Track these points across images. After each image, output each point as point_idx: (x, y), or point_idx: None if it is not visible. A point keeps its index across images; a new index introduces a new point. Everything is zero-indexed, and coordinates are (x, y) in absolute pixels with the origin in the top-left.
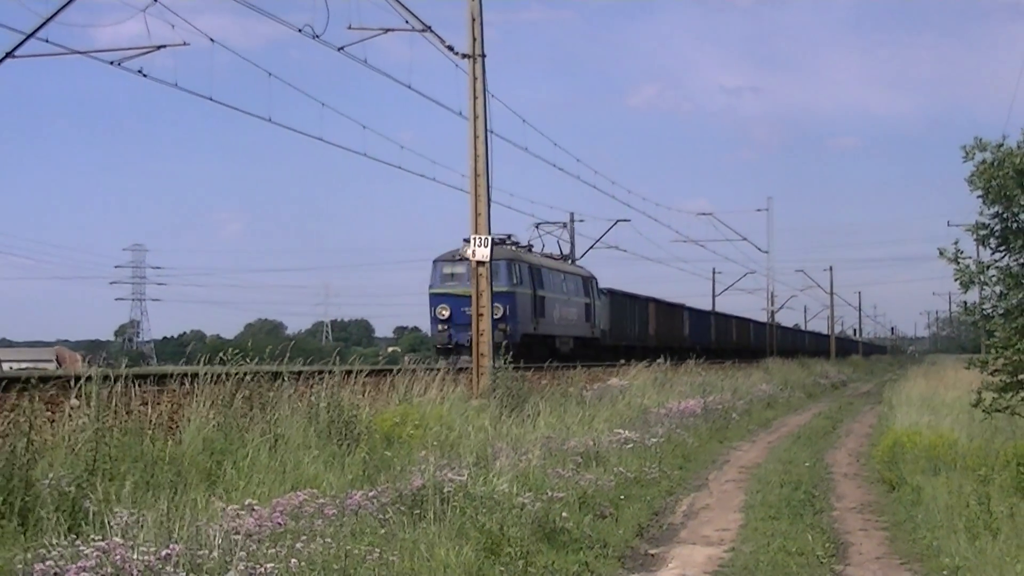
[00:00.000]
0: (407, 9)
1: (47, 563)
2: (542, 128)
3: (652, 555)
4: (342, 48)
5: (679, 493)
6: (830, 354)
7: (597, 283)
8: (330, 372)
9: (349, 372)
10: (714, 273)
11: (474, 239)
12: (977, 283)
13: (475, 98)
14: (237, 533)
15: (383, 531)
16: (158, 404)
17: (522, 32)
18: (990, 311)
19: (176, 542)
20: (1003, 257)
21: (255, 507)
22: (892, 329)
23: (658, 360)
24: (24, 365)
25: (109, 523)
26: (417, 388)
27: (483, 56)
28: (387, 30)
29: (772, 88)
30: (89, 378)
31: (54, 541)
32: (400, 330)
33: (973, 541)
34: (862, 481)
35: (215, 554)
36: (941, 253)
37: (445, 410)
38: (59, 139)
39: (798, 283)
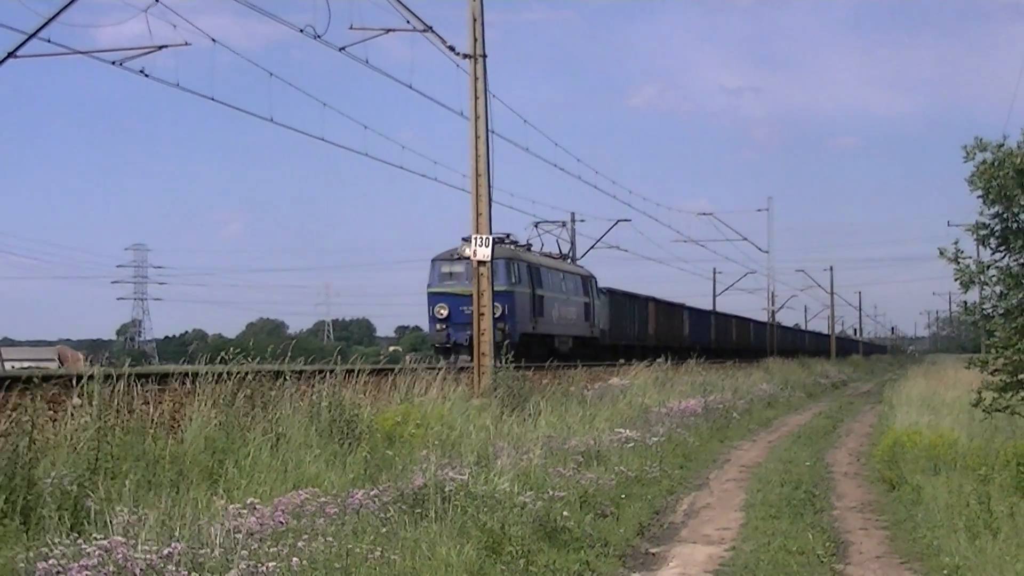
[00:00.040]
0: (408, 9)
1: (49, 562)
2: (543, 128)
3: (653, 554)
4: (343, 48)
5: (680, 492)
6: (830, 354)
7: (596, 282)
8: (331, 371)
9: (350, 371)
10: (715, 273)
11: (475, 239)
12: (977, 283)
13: (476, 98)
14: (239, 532)
15: (384, 530)
16: (160, 403)
17: (523, 32)
18: (990, 311)
19: (178, 541)
20: (1003, 257)
21: (257, 506)
22: (892, 329)
23: (658, 360)
24: (26, 364)
25: (111, 522)
26: (418, 387)
27: (484, 56)
28: (388, 30)
29: (772, 88)
30: (91, 377)
31: (56, 540)
32: (401, 329)
33: (973, 540)
34: (862, 480)
35: (217, 553)
36: (941, 253)
37: (446, 409)
38: (61, 139)
39: (798, 283)
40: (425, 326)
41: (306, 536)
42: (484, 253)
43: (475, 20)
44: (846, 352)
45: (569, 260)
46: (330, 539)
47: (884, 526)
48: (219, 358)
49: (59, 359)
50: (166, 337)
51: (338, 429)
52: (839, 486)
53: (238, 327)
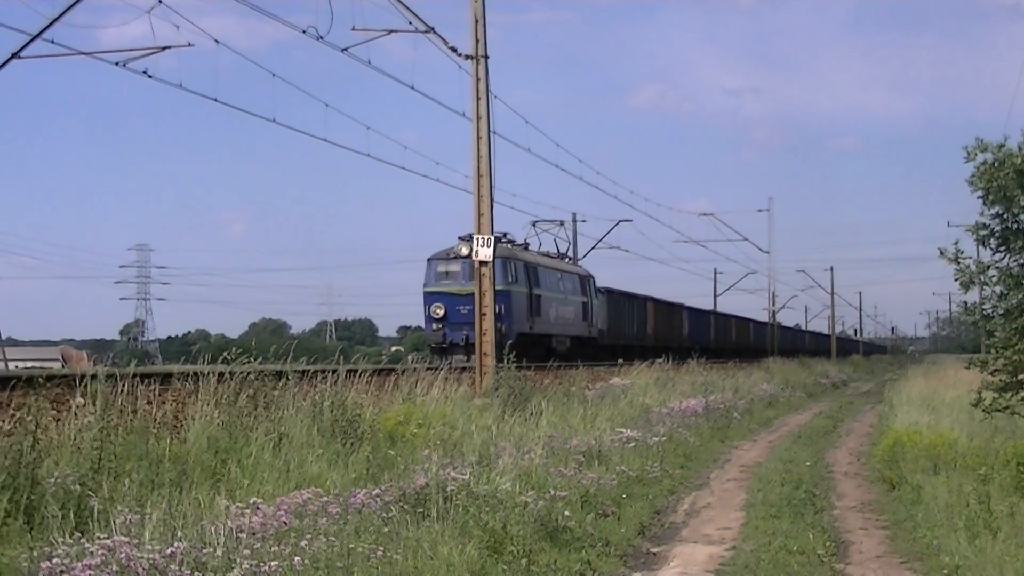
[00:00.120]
0: (410, 11)
1: (53, 561)
2: (544, 129)
3: (654, 553)
4: (346, 49)
5: (681, 492)
6: (831, 354)
7: (595, 282)
8: (334, 371)
9: (353, 371)
10: (715, 273)
11: (477, 239)
12: (977, 283)
13: (478, 99)
14: (241, 531)
15: (386, 529)
16: (163, 403)
17: (524, 33)
18: (990, 311)
19: (180, 540)
20: (1003, 258)
21: (259, 505)
22: (892, 329)
23: (658, 360)
24: (30, 364)
25: (114, 521)
26: (420, 387)
27: (486, 57)
28: (391, 31)
29: (773, 89)
30: (94, 377)
31: (60, 539)
32: (403, 329)
33: (973, 540)
34: (862, 480)
35: (219, 552)
36: (941, 253)
37: (448, 409)
38: (64, 139)
39: (799, 283)
40: None
41: (308, 536)
42: (486, 253)
43: (477, 21)
44: (846, 352)
45: (567, 260)
46: (332, 538)
47: (884, 526)
48: (222, 358)
49: (63, 359)
50: (169, 337)
51: (340, 429)
52: (839, 486)
53: (241, 327)
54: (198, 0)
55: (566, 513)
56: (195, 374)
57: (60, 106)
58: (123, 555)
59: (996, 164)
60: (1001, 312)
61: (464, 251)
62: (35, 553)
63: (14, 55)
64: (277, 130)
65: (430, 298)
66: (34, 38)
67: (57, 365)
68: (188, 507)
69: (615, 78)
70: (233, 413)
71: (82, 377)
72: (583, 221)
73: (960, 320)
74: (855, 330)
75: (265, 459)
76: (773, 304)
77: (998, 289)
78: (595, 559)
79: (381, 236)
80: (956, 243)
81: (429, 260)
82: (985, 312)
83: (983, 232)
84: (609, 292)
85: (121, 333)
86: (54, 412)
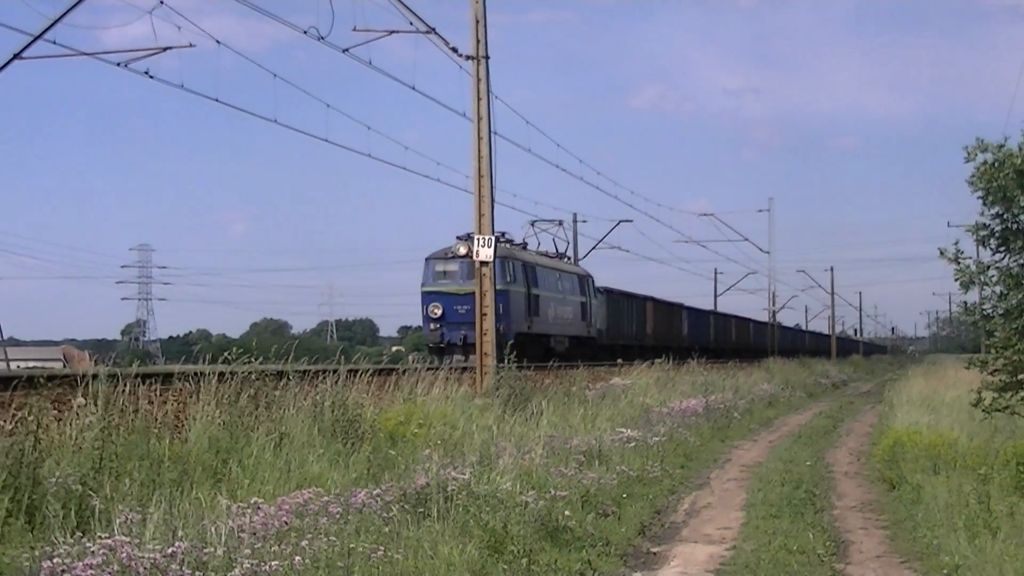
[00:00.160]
0: (411, 11)
1: (54, 560)
2: (545, 129)
3: (654, 553)
4: (347, 50)
5: (681, 492)
6: (831, 354)
7: (593, 281)
8: (335, 371)
9: (353, 371)
10: (716, 273)
11: (478, 239)
12: (977, 283)
13: (479, 99)
14: (242, 531)
15: (387, 529)
16: (164, 403)
17: (525, 34)
18: (990, 311)
19: (181, 540)
20: (1003, 258)
21: (260, 505)
22: (892, 329)
23: (658, 360)
24: (31, 364)
25: (115, 521)
26: (421, 387)
27: (487, 58)
28: (392, 32)
29: (773, 89)
30: (95, 377)
31: (61, 539)
32: (404, 329)
33: (973, 540)
34: (862, 480)
35: (220, 552)
36: (942, 253)
37: (449, 409)
38: (66, 140)
39: (799, 283)
40: None
41: (309, 535)
42: (487, 254)
43: (477, 22)
44: (846, 352)
45: (566, 259)
46: (333, 538)
47: (884, 525)
48: (223, 358)
49: (65, 359)
50: (170, 337)
51: (341, 429)
52: (839, 486)
53: (242, 327)
54: (199, 1)
55: (566, 513)
56: (196, 374)
57: (62, 106)
58: (124, 555)
59: (996, 164)
60: (1001, 312)
61: (462, 251)
62: (36, 552)
63: (16, 56)
64: (278, 130)
65: (428, 298)
66: (36, 39)
67: (59, 365)
68: (189, 507)
69: (615, 78)
70: (234, 413)
71: (83, 377)
72: (584, 221)
73: (960, 320)
74: (855, 330)
75: (266, 459)
76: (773, 304)
77: (998, 289)
78: (595, 559)
79: (382, 236)
80: (956, 243)
81: (427, 260)
82: (985, 312)
83: (983, 232)
84: (608, 292)
85: (122, 333)
86: (56, 412)
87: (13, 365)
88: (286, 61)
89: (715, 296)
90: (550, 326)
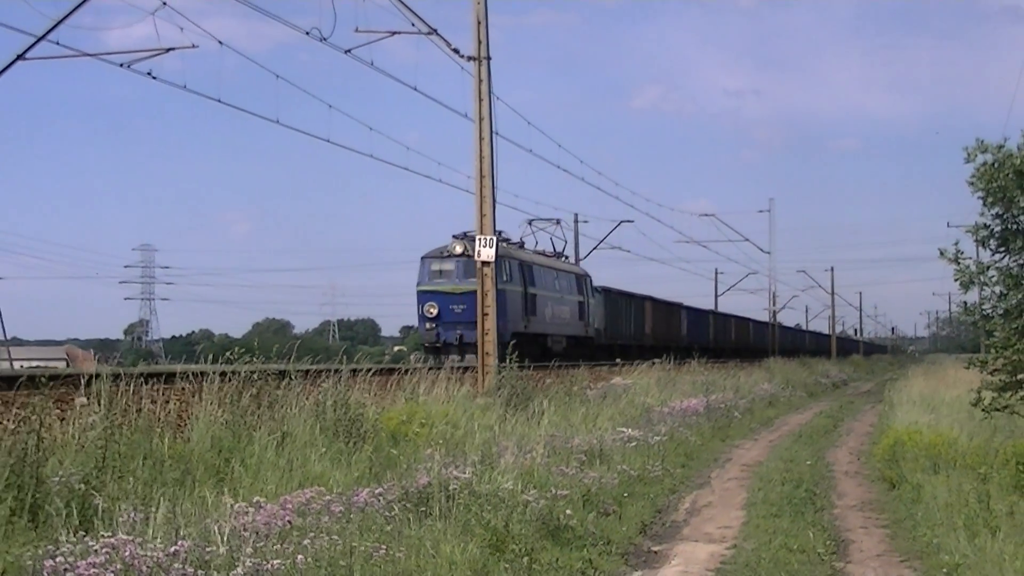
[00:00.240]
0: (413, 12)
1: (57, 559)
2: (546, 130)
3: (655, 552)
4: (349, 51)
5: (682, 491)
6: (831, 354)
7: (591, 281)
8: (337, 371)
9: (355, 371)
10: (716, 273)
11: (479, 239)
12: (977, 283)
13: (480, 100)
14: (244, 530)
15: (389, 528)
16: (167, 402)
17: (526, 35)
18: (990, 311)
19: (184, 539)
20: (1003, 258)
21: (262, 504)
22: (892, 329)
23: (657, 360)
24: (35, 364)
25: (118, 520)
26: (423, 387)
27: (488, 59)
28: (394, 33)
29: (773, 90)
30: (98, 376)
31: (64, 537)
32: (406, 329)
33: (972, 539)
34: (863, 479)
35: (223, 550)
36: (942, 254)
37: (450, 409)
38: (69, 140)
39: (800, 283)
40: None
41: (311, 534)
42: (488, 254)
43: (479, 23)
44: (847, 352)
45: (564, 259)
46: (335, 537)
47: (884, 524)
48: (225, 358)
49: (68, 358)
50: (173, 337)
51: (343, 428)
52: (840, 485)
53: (244, 327)
54: (202, 2)
55: (568, 512)
56: (199, 374)
57: (65, 107)
58: (127, 553)
59: (996, 165)
60: (1001, 312)
61: (458, 249)
62: (39, 551)
63: (19, 56)
64: (280, 131)
65: (424, 297)
66: (39, 39)
67: (62, 365)
68: (192, 506)
69: (616, 79)
70: (236, 412)
71: (88, 377)
72: (585, 222)
73: (960, 320)
74: (855, 330)
75: (268, 458)
76: (774, 304)
77: (998, 289)
78: (596, 557)
79: (384, 236)
80: (956, 243)
81: (423, 259)
82: (985, 312)
83: (983, 233)
84: (606, 291)
85: (125, 333)
86: (58, 411)
87: (17, 365)
88: (288, 62)
89: (716, 296)
90: (547, 326)
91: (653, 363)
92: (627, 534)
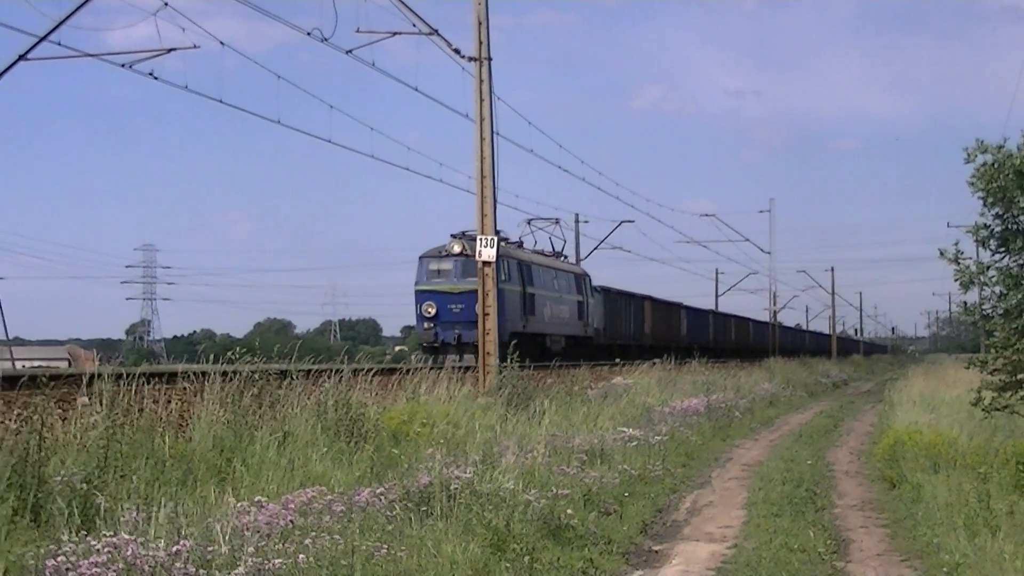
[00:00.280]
0: (414, 13)
1: (59, 559)
2: (547, 130)
3: (656, 551)
4: (350, 51)
5: (683, 490)
6: (831, 353)
7: (590, 280)
8: (338, 371)
9: (357, 371)
10: (717, 274)
11: (480, 239)
12: (977, 284)
13: (481, 100)
14: (246, 529)
15: (390, 527)
16: (168, 402)
17: (527, 35)
18: (990, 311)
19: (186, 538)
20: (1003, 258)
21: (264, 504)
22: (893, 329)
23: (657, 360)
24: (37, 364)
25: (120, 519)
26: (424, 387)
27: (489, 59)
28: (395, 33)
29: (774, 90)
30: (100, 376)
31: (66, 537)
32: (407, 329)
33: (973, 538)
34: (863, 479)
35: (224, 550)
36: (942, 254)
37: (452, 408)
38: (70, 140)
39: (800, 283)
40: None
41: (313, 534)
42: (489, 254)
43: (480, 23)
44: (847, 352)
45: (563, 258)
46: (336, 536)
47: (884, 524)
48: (226, 358)
49: (70, 358)
50: (174, 336)
51: (344, 428)
52: (840, 484)
53: (246, 327)
54: (203, 2)
55: (569, 511)
56: (200, 373)
57: (66, 107)
58: (129, 553)
59: (996, 165)
60: (1001, 312)
61: (456, 249)
62: (42, 551)
63: (21, 57)
64: (281, 131)
65: (421, 296)
66: (41, 40)
67: (64, 365)
68: (193, 505)
69: (617, 79)
70: (238, 412)
71: (89, 377)
72: (586, 222)
73: (960, 320)
74: (855, 330)
75: (270, 458)
76: (774, 304)
77: (998, 289)
78: (597, 557)
79: (385, 236)
80: (956, 243)
81: (421, 258)
82: (985, 312)
83: (983, 233)
84: (606, 291)
85: (127, 333)
86: (60, 411)
87: (19, 364)
88: (289, 62)
89: (716, 296)
90: (546, 325)
91: (654, 363)
92: (628, 533)
